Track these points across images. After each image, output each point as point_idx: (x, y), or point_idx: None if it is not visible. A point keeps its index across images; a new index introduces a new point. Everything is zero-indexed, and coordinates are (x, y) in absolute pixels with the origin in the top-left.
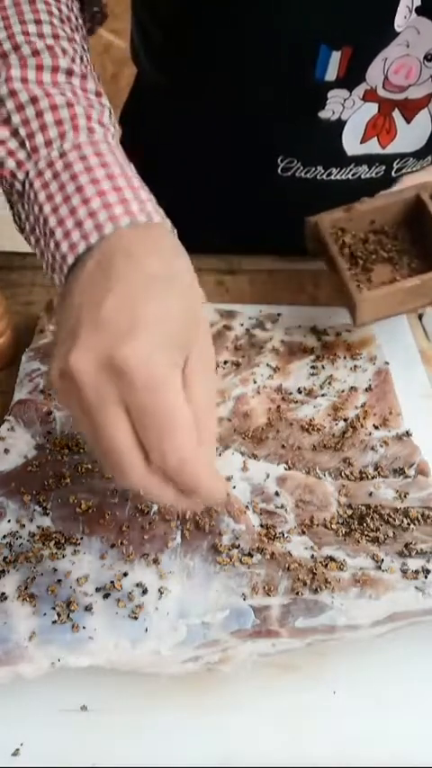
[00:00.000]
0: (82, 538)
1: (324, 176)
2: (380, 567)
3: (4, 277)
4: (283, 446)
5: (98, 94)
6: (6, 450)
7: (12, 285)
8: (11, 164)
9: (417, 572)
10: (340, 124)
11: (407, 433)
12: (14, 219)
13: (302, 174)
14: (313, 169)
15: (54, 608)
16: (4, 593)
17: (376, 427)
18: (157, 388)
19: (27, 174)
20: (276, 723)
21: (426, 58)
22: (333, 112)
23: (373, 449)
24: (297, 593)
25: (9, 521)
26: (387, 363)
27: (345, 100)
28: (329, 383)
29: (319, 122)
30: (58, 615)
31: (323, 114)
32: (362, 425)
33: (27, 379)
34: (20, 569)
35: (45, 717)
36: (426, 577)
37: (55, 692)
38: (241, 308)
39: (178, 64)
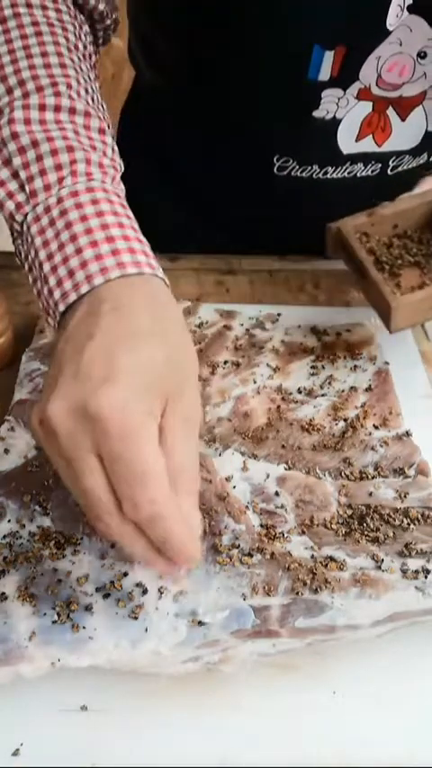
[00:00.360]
0: (82, 538)
1: (320, 175)
2: (380, 567)
3: (5, 277)
4: (283, 446)
5: (101, 131)
6: (6, 451)
7: (12, 285)
8: (10, 205)
9: (417, 572)
10: (335, 123)
11: (407, 433)
12: (16, 253)
13: (298, 173)
14: (309, 168)
15: (54, 608)
16: (4, 593)
17: (376, 427)
18: (130, 436)
19: (25, 216)
20: (276, 723)
21: (419, 55)
22: (327, 112)
23: (373, 449)
24: (297, 593)
25: (9, 521)
26: (387, 363)
27: (339, 99)
28: (329, 383)
29: (314, 122)
30: (58, 615)
31: (318, 114)
32: (362, 425)
33: (27, 379)
34: (20, 569)
35: (45, 717)
36: (426, 577)
37: (55, 692)
38: (241, 308)
39: (176, 66)
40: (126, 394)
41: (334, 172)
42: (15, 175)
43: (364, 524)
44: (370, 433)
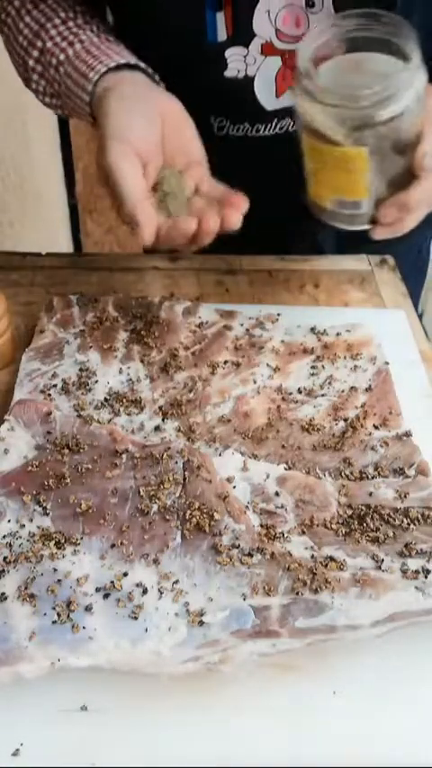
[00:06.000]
0: (82, 538)
1: (253, 132)
2: (380, 567)
3: (4, 277)
4: (283, 446)
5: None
6: (6, 451)
7: (12, 285)
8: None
9: (417, 572)
10: (249, 80)
11: (407, 433)
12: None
13: (234, 132)
14: (242, 127)
15: (54, 608)
16: (4, 593)
17: (376, 427)
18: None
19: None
20: (276, 723)
21: (307, 4)
22: (238, 71)
23: (373, 449)
24: (297, 593)
25: (9, 521)
26: (387, 363)
27: (245, 56)
28: (329, 383)
29: (229, 82)
30: (58, 615)
31: (229, 73)
32: (362, 425)
33: (27, 379)
34: (20, 569)
35: (45, 717)
36: (426, 577)
37: (55, 692)
38: (241, 308)
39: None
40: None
41: (265, 129)
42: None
43: (365, 524)
44: (370, 433)
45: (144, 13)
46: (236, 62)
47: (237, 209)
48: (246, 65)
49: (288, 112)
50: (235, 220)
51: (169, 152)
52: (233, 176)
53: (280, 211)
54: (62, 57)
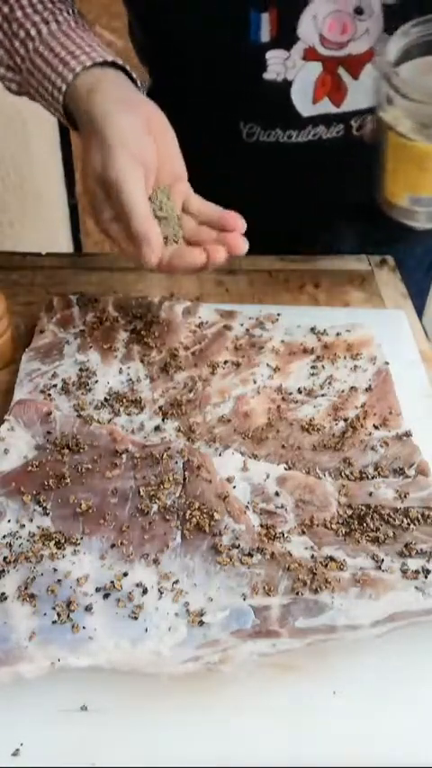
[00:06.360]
0: (82, 538)
1: (285, 139)
2: (380, 567)
3: (4, 277)
4: (283, 446)
5: None
6: (6, 451)
7: (12, 285)
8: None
9: (417, 572)
10: (287, 84)
11: (407, 433)
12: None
13: (265, 138)
14: (273, 132)
15: (54, 608)
16: (4, 593)
17: (376, 427)
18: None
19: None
20: (276, 723)
21: (356, 11)
22: (277, 74)
23: (373, 449)
24: (297, 593)
25: (9, 521)
26: (387, 363)
27: (285, 60)
28: (329, 383)
29: (267, 84)
30: (58, 615)
31: (268, 76)
32: (362, 425)
33: (27, 379)
34: (20, 569)
35: (45, 717)
36: (426, 577)
37: (55, 692)
38: (241, 308)
39: (147, 45)
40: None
41: (298, 135)
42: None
43: (365, 524)
44: (370, 433)
45: (185, 5)
46: (276, 65)
47: (238, 232)
48: (285, 68)
49: (323, 120)
50: (241, 247)
51: (158, 167)
52: (258, 183)
53: (296, 217)
54: (33, 31)
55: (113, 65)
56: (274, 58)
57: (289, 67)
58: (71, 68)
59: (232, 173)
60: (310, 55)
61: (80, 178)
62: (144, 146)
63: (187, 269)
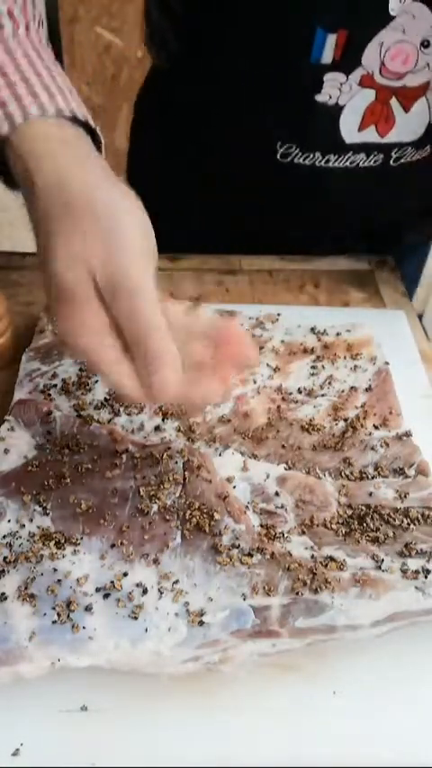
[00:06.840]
0: (82, 538)
1: (322, 163)
2: (380, 567)
3: (4, 277)
4: (283, 446)
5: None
6: (6, 451)
7: (12, 285)
8: None
9: (417, 572)
10: (338, 109)
11: (407, 433)
12: None
13: (301, 161)
14: (311, 155)
15: (54, 608)
16: (4, 594)
17: (376, 427)
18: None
19: None
20: (276, 723)
21: (422, 44)
22: (330, 96)
23: (373, 449)
24: (297, 593)
25: (9, 521)
26: (387, 363)
27: (341, 84)
28: (329, 383)
29: (317, 106)
30: (58, 615)
31: (320, 98)
32: (362, 425)
33: (27, 379)
34: (20, 569)
35: (45, 717)
36: (426, 577)
37: (55, 692)
38: (241, 308)
39: (181, 51)
40: None
41: (336, 161)
42: None
43: (365, 524)
44: (370, 433)
45: (246, 16)
46: (331, 88)
47: (246, 349)
48: (340, 92)
49: (364, 148)
50: (254, 359)
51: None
52: (279, 200)
53: (312, 237)
54: None
55: (74, 119)
56: (331, 80)
57: (344, 92)
58: (24, 107)
59: (255, 186)
60: (366, 81)
61: (46, 265)
62: (153, 243)
63: (202, 399)
